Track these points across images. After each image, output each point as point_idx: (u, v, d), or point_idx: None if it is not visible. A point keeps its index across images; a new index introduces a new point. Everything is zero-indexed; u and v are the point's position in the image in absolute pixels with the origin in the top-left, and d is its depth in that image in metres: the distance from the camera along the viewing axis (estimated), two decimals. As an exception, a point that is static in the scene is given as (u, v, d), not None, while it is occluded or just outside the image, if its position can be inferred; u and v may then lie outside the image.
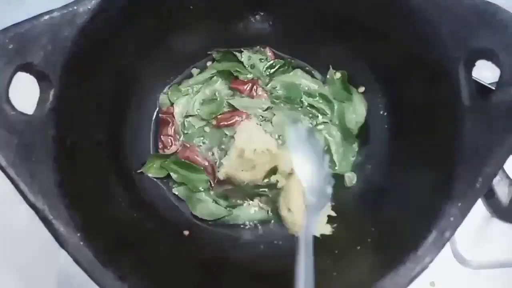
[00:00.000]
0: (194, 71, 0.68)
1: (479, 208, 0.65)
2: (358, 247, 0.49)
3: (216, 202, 0.62)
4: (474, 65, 0.44)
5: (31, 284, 0.66)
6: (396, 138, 0.58)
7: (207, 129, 0.66)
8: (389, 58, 0.57)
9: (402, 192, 0.51)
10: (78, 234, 0.40)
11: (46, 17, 0.43)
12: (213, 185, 0.63)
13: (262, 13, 0.66)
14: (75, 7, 0.45)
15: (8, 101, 0.40)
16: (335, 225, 0.57)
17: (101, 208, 0.49)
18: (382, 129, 0.60)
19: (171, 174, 0.63)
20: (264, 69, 0.68)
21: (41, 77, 0.43)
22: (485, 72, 0.63)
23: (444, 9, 0.45)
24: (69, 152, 0.46)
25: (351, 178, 0.63)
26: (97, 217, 0.46)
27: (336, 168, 0.63)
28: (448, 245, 0.41)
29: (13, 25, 0.41)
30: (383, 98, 0.61)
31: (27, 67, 0.42)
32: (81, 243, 0.40)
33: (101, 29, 0.48)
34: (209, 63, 0.69)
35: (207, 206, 0.62)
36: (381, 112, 0.61)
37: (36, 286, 0.66)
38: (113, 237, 0.46)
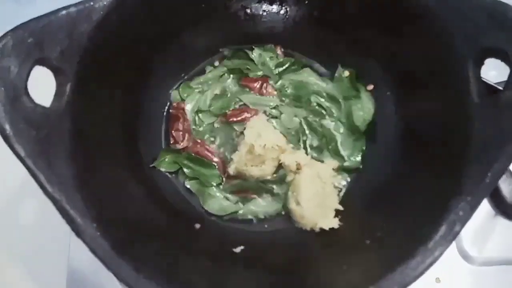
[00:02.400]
0: (208, 68, 0.69)
1: (484, 205, 0.65)
2: (367, 241, 0.49)
3: (226, 198, 0.63)
4: (483, 63, 0.45)
5: (40, 278, 0.67)
6: (405, 134, 0.58)
7: (217, 125, 0.67)
8: (399, 57, 0.57)
9: (411, 187, 0.52)
10: (95, 225, 0.41)
11: (63, 12, 0.44)
12: (224, 180, 0.64)
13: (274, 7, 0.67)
14: (91, 3, 0.46)
15: (27, 93, 0.41)
16: (342, 219, 0.57)
17: (116, 201, 0.49)
18: (391, 125, 0.61)
19: (184, 169, 0.63)
20: (274, 67, 0.68)
21: (58, 71, 0.44)
22: (491, 72, 0.64)
23: (454, 8, 0.46)
24: (84, 145, 0.46)
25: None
26: (113, 209, 0.47)
27: (346, 163, 0.64)
28: (453, 242, 0.41)
29: (32, 19, 0.42)
30: (392, 96, 0.61)
31: (44, 61, 0.43)
32: (98, 233, 0.41)
33: (116, 24, 0.48)
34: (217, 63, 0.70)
35: (218, 202, 0.62)
36: (390, 110, 0.61)
37: (45, 281, 0.66)
38: (128, 229, 0.47)
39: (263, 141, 0.58)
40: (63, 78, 0.45)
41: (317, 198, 0.57)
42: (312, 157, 0.64)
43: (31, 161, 0.39)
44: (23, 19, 0.42)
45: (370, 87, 0.65)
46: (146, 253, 0.45)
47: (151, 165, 0.62)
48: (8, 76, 0.39)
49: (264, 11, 0.67)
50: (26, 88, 0.41)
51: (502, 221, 0.65)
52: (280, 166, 0.61)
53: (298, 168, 0.59)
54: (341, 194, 0.63)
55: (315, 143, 0.65)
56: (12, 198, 0.69)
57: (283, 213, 0.62)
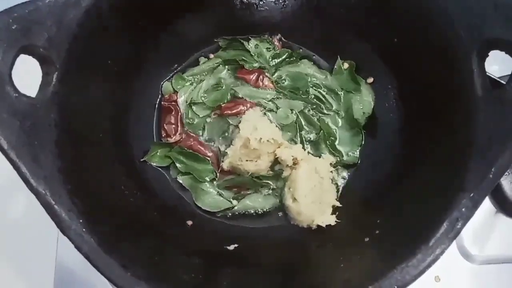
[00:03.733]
0: (202, 59, 0.67)
1: (485, 203, 0.64)
2: (366, 239, 0.48)
3: (220, 194, 0.61)
4: (487, 55, 0.43)
5: (27, 274, 0.65)
6: (406, 129, 0.57)
7: (211, 118, 0.65)
8: (401, 48, 0.56)
9: (412, 183, 0.50)
10: (81, 221, 0.39)
11: (51, -2, 0.42)
12: (217, 175, 0.62)
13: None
14: (81, -12, 0.44)
15: (11, 83, 0.39)
16: (340, 216, 0.56)
17: (104, 196, 0.48)
18: (392, 120, 0.59)
19: (177, 164, 0.61)
20: (271, 58, 0.67)
21: (44, 60, 0.42)
22: (493, 67, 0.63)
23: (458, 0, 0.44)
24: (72, 137, 0.45)
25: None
26: (100, 204, 0.45)
27: (343, 158, 0.62)
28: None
29: (17, 5, 0.40)
30: (393, 89, 0.60)
31: (30, 49, 0.41)
32: (84, 229, 0.39)
33: (106, 11, 0.47)
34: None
35: (212, 198, 0.61)
36: (391, 103, 0.60)
37: (33, 277, 0.65)
38: (116, 225, 0.45)
39: (259, 134, 0.56)
40: (49, 67, 0.43)
41: (314, 193, 0.56)
42: (309, 152, 0.62)
43: (14, 153, 0.38)
44: (9, 3, 0.40)
45: (370, 80, 0.64)
46: (135, 250, 0.43)
47: (141, 159, 0.60)
48: (-10, 64, 0.38)
49: (261, 0, 0.65)
50: (10, 77, 0.39)
51: (503, 218, 0.65)
52: (276, 161, 0.60)
53: (295, 163, 0.58)
54: (339, 190, 0.61)
55: (313, 137, 0.64)
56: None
57: (279, 210, 0.60)
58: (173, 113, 0.64)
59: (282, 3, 0.65)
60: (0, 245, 0.66)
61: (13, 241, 0.66)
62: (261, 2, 0.65)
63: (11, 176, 0.65)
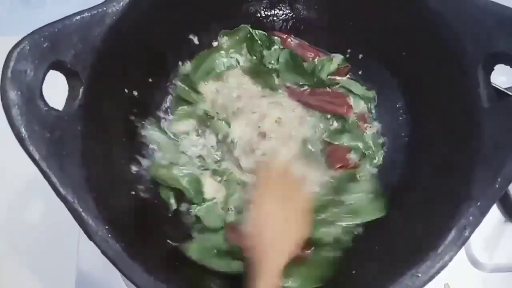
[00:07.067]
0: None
1: (494, 211, 0.65)
2: (376, 247, 0.49)
3: None
4: (493, 68, 0.45)
5: (48, 280, 0.67)
6: (412, 139, 0.58)
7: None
8: (408, 62, 0.57)
9: (420, 192, 0.52)
10: (106, 227, 0.41)
11: (77, 17, 0.44)
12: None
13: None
14: (105, 8, 0.46)
15: (41, 97, 0.41)
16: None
17: (128, 203, 0.50)
18: (399, 130, 0.61)
19: None
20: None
21: (71, 75, 0.45)
22: (501, 78, 0.64)
23: (464, 14, 0.46)
24: (96, 147, 0.47)
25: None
26: (124, 211, 0.47)
27: None
28: (462, 247, 0.41)
29: (47, 24, 0.43)
30: (401, 101, 0.61)
31: (58, 65, 0.43)
32: (109, 235, 0.41)
33: (129, 28, 0.49)
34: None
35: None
36: (401, 118, 0.61)
37: (53, 282, 0.66)
38: (140, 231, 0.47)
39: None
40: (76, 81, 0.45)
41: None
42: None
43: (45, 163, 0.40)
44: (34, 23, 0.43)
45: None
46: (158, 255, 0.45)
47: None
48: (24, 80, 0.40)
49: (273, 15, 0.67)
50: (41, 92, 0.41)
51: (511, 227, 0.65)
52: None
53: None
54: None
55: None
56: (19, 198, 0.69)
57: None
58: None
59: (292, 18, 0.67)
60: (21, 250, 0.68)
61: (34, 246, 0.67)
62: (274, 18, 0.66)
63: (30, 182, 0.66)
